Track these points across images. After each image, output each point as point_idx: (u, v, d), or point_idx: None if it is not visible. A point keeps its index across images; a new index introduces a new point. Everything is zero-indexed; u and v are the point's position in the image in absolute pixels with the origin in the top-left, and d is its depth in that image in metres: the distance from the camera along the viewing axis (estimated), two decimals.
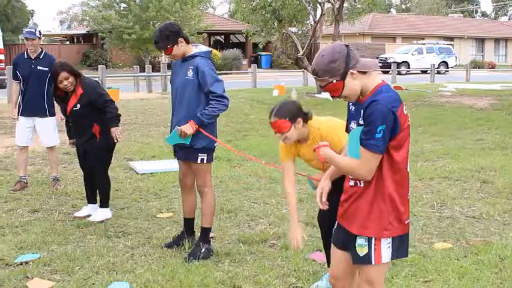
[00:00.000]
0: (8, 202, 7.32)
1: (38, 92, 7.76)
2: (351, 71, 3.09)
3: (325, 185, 3.50)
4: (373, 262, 3.21)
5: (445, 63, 44.23)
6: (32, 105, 7.81)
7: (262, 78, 25.70)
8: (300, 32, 25.52)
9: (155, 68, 33.45)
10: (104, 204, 6.73)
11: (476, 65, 50.44)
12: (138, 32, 33.59)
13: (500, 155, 10.46)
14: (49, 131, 8.03)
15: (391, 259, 3.25)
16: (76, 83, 6.41)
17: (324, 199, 3.47)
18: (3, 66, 19.67)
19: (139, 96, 19.37)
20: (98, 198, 6.83)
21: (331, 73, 3.08)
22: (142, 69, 26.86)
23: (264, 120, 14.83)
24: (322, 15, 20.23)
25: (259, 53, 46.60)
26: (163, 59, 36.81)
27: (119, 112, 6.53)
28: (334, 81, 3.09)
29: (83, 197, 7.56)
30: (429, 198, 7.53)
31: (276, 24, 21.42)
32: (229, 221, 6.61)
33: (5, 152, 10.50)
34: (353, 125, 3.22)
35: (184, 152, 5.49)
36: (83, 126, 6.52)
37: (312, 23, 23.13)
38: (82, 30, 50.33)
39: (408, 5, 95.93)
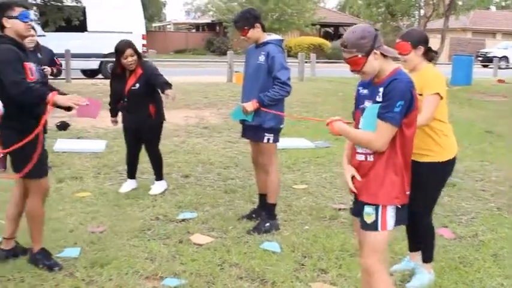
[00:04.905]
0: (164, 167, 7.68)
1: None
2: (375, 51, 3.16)
3: (351, 170, 3.38)
4: (379, 229, 3.23)
5: None
6: None
7: None
8: (404, 25, 24.96)
9: None
10: (160, 177, 6.74)
11: None
12: None
13: None
14: None
15: (394, 226, 3.26)
16: (137, 64, 6.29)
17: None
18: (146, 50, 20.47)
19: None
20: (137, 172, 6.89)
21: (358, 48, 3.14)
22: None
23: None
24: (434, 10, 19.65)
25: None
26: None
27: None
28: (359, 55, 3.15)
29: (226, 166, 7.86)
30: None
31: (389, 17, 21.11)
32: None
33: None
34: (367, 103, 3.25)
35: (253, 132, 5.46)
36: (140, 105, 6.36)
37: (417, 17, 22.61)
38: (207, 20, 51.37)
39: (508, 2, 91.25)
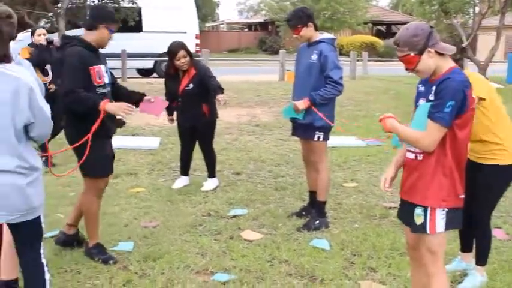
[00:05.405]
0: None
1: None
2: (429, 49, 3.06)
3: (390, 173, 3.40)
4: (428, 231, 3.14)
5: None
6: None
7: None
8: (458, 23, 24.45)
9: None
10: (212, 174, 6.78)
11: None
12: None
13: None
14: None
15: (445, 229, 3.16)
16: (190, 64, 6.33)
17: (387, 185, 3.37)
18: (199, 49, 20.66)
19: None
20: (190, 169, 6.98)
21: (411, 46, 3.07)
22: None
23: None
24: (489, 7, 19.13)
25: None
26: None
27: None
28: (412, 54, 3.08)
29: (277, 163, 7.87)
30: None
31: (442, 15, 20.69)
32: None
33: None
34: (421, 101, 3.17)
35: (303, 130, 5.42)
36: (193, 104, 6.40)
37: (472, 14, 22.09)
38: (259, 19, 51.47)
39: None
